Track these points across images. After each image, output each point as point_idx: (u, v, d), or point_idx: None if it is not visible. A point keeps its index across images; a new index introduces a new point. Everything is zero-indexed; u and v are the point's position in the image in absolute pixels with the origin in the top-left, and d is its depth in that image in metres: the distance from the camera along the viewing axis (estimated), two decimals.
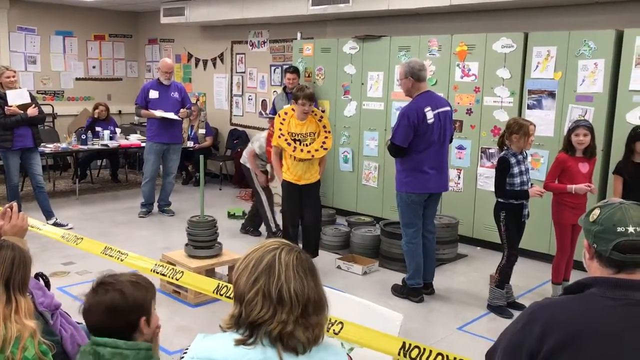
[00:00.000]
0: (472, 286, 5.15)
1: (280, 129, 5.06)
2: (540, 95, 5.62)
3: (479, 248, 6.17)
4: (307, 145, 5.04)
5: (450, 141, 4.87)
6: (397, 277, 5.09)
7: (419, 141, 4.52)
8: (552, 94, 5.55)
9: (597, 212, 1.75)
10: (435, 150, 4.60)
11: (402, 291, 4.86)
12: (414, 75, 4.53)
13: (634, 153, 4.52)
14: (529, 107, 5.68)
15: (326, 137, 5.11)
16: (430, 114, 4.51)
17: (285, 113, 5.13)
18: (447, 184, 4.86)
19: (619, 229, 1.67)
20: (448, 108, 4.71)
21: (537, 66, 5.62)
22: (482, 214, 6.06)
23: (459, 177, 6.28)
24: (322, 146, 5.07)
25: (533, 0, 5.72)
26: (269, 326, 1.41)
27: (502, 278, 4.56)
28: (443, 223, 5.88)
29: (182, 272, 2.70)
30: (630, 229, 1.66)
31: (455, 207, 6.27)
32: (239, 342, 1.46)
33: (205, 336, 1.52)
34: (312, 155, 5.03)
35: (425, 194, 4.69)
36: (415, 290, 4.79)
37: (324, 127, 5.15)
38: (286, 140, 5.03)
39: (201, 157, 5.07)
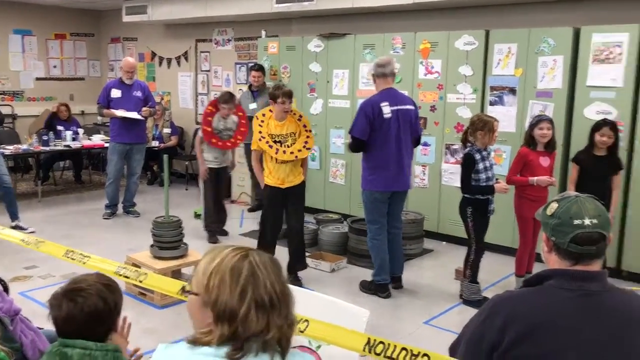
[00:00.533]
0: (438, 280, 5.22)
1: (260, 132, 4.84)
2: (502, 91, 5.73)
3: (444, 243, 6.26)
4: (288, 147, 4.85)
5: (419, 142, 4.93)
6: (366, 274, 5.12)
7: (377, 136, 4.57)
8: (513, 91, 5.66)
9: (554, 205, 1.80)
10: (395, 148, 4.63)
11: (370, 287, 4.89)
12: (375, 72, 4.65)
13: (594, 145, 4.64)
14: (491, 104, 5.78)
15: (308, 137, 4.94)
16: (386, 109, 4.56)
17: (263, 115, 4.93)
18: (409, 182, 4.87)
19: (576, 222, 1.71)
20: (411, 107, 4.74)
21: (498, 63, 5.72)
22: (447, 209, 6.15)
23: (424, 174, 6.35)
24: (304, 146, 4.89)
25: None
26: (267, 335, 1.33)
27: (473, 273, 4.63)
28: (409, 219, 5.94)
29: (146, 274, 2.66)
30: (587, 222, 1.71)
31: (420, 202, 6.34)
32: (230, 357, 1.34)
33: (167, 346, 1.42)
34: (296, 156, 4.84)
35: (388, 192, 4.74)
36: (382, 286, 4.84)
37: (304, 126, 4.97)
38: (267, 142, 4.81)
39: (165, 156, 5.01)
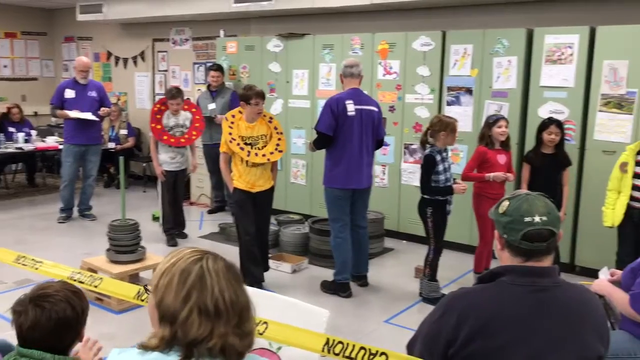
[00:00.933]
0: (399, 279, 5.27)
1: (230, 133, 4.64)
2: (459, 92, 5.82)
3: (404, 241, 6.32)
4: (260, 149, 4.70)
5: (381, 144, 4.98)
6: (327, 274, 5.13)
7: (340, 133, 4.61)
8: (469, 91, 5.76)
9: (506, 204, 1.84)
10: (356, 146, 4.68)
11: (331, 287, 4.90)
12: (344, 72, 4.77)
13: (542, 143, 4.76)
14: (448, 104, 5.87)
15: (279, 139, 4.80)
16: (351, 107, 4.62)
17: (233, 116, 4.75)
18: (369, 181, 4.91)
19: (527, 219, 1.76)
20: (375, 109, 4.80)
21: (455, 64, 5.81)
22: (407, 209, 6.21)
23: (384, 173, 6.40)
24: (276, 149, 4.76)
25: (449, 0, 5.91)
26: (209, 342, 1.30)
27: (432, 271, 4.70)
28: (370, 218, 5.95)
29: (101, 278, 2.61)
30: (537, 219, 1.75)
31: (380, 202, 6.39)
32: None
33: (121, 351, 1.40)
34: (268, 159, 4.71)
35: (348, 190, 4.76)
36: (343, 285, 4.85)
37: (275, 128, 4.84)
38: (239, 144, 4.62)
39: (121, 158, 4.91)
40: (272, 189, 4.87)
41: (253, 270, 4.75)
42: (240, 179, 4.72)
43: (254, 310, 1.43)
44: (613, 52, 5.02)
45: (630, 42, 4.94)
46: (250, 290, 1.58)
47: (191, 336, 1.29)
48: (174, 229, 6.24)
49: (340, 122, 4.60)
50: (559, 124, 4.72)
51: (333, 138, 4.64)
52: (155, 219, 6.99)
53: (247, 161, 4.64)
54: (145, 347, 1.33)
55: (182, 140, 6.02)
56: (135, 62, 9.58)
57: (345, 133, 4.62)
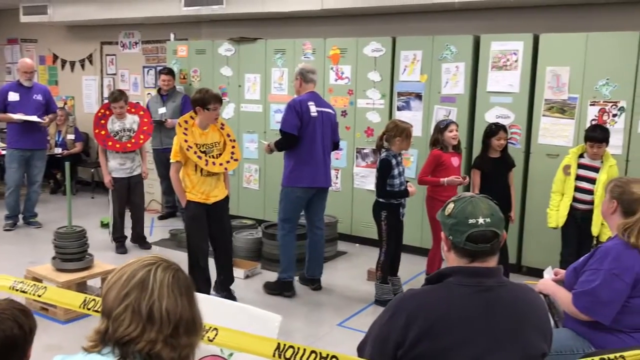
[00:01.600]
0: (352, 282, 5.30)
1: (186, 140, 4.33)
2: (409, 97, 5.92)
3: (357, 245, 6.37)
4: (215, 157, 4.46)
5: (337, 147, 5.08)
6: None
7: (304, 133, 4.66)
8: (419, 96, 5.86)
9: (451, 206, 1.88)
10: (320, 146, 4.77)
11: (274, 288, 4.93)
12: (303, 76, 4.83)
13: (490, 148, 4.89)
14: (399, 109, 5.95)
15: (233, 147, 4.59)
16: (313, 108, 4.72)
17: (186, 122, 4.44)
18: (331, 181, 5.06)
19: (471, 221, 1.80)
20: (332, 111, 4.95)
21: (404, 69, 5.91)
22: (360, 212, 6.27)
23: (337, 177, 6.44)
24: (232, 157, 4.56)
25: (399, 6, 6.00)
26: (137, 345, 1.35)
27: (384, 274, 4.75)
28: None
29: (45, 287, 2.53)
30: (480, 220, 1.80)
31: (334, 206, 6.41)
32: None
33: (64, 357, 1.44)
34: (225, 168, 4.51)
35: (311, 190, 4.81)
36: (287, 283, 4.91)
37: (228, 135, 4.62)
38: (195, 152, 4.33)
39: (67, 163, 4.77)
40: (227, 199, 4.68)
41: (202, 287, 4.47)
42: (194, 190, 4.45)
43: (200, 328, 1.47)
44: (555, 59, 5.21)
45: (571, 50, 5.13)
46: (200, 296, 1.58)
47: (119, 333, 1.35)
48: (123, 237, 6.06)
49: (305, 123, 4.66)
50: (505, 129, 4.88)
51: (298, 138, 4.68)
52: (103, 225, 6.82)
53: (201, 170, 4.39)
54: (85, 350, 1.39)
55: (129, 145, 5.82)
56: (82, 66, 9.34)
57: (309, 133, 4.70)
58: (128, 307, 1.36)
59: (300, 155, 4.72)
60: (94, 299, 2.37)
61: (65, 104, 9.37)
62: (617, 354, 2.23)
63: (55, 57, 9.62)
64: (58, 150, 8.39)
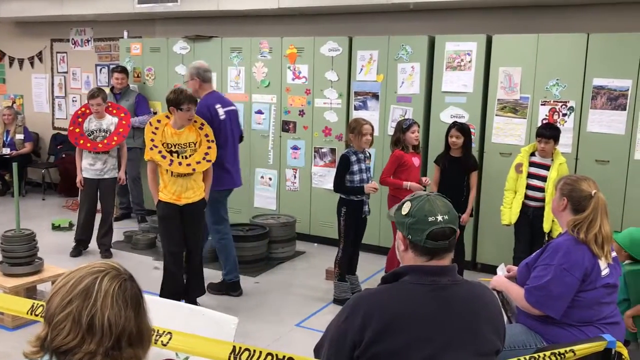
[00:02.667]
0: (310, 282, 5.29)
1: (152, 140, 4.24)
2: (365, 96, 5.94)
3: (316, 245, 6.36)
4: (186, 158, 4.30)
5: (241, 140, 5.10)
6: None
7: (218, 137, 4.59)
8: (375, 96, 5.89)
9: (408, 205, 1.88)
10: (231, 147, 4.81)
11: (220, 288, 4.92)
12: (200, 76, 4.74)
13: (450, 147, 4.96)
14: (356, 108, 5.98)
15: (209, 147, 4.41)
16: (221, 111, 4.71)
17: (158, 121, 4.34)
18: (241, 180, 5.07)
19: (430, 219, 1.81)
20: (234, 107, 4.94)
21: (361, 69, 5.93)
22: (318, 212, 6.27)
23: (295, 177, 6.42)
24: (204, 158, 4.36)
25: (355, 6, 6.03)
26: (74, 355, 1.30)
27: (341, 271, 4.75)
28: (281, 222, 5.98)
29: None
30: (440, 218, 1.81)
31: (292, 205, 6.41)
32: None
33: None
34: (194, 169, 4.29)
35: (228, 191, 4.86)
36: (234, 284, 4.91)
37: (207, 135, 4.44)
38: (160, 152, 4.22)
39: (14, 164, 4.60)
40: (202, 201, 4.42)
41: (171, 291, 4.33)
42: (165, 189, 4.30)
43: (148, 340, 1.43)
44: (508, 59, 5.32)
45: (523, 51, 5.24)
46: (155, 299, 1.54)
47: (57, 342, 1.31)
48: (83, 241, 5.85)
49: (216, 126, 4.60)
50: (460, 128, 4.92)
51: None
52: (55, 228, 6.62)
53: (170, 171, 4.26)
54: (26, 356, 1.36)
55: (100, 145, 5.61)
56: (32, 63, 9.05)
57: (221, 136, 4.67)
58: (69, 316, 1.31)
59: (217, 159, 4.52)
60: (42, 305, 2.29)
61: (13, 102, 9.06)
62: (568, 348, 2.28)
63: (3, 54, 9.30)
64: (6, 151, 8.11)
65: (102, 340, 1.31)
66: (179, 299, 4.18)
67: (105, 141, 5.64)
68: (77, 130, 5.63)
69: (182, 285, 4.48)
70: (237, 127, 4.93)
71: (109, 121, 5.71)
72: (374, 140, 5.80)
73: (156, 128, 4.30)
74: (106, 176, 5.72)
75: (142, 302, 1.42)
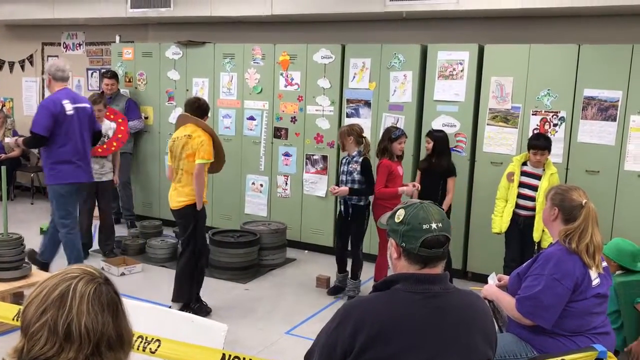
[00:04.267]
0: (300, 289, 5.27)
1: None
2: (358, 104, 5.95)
3: (306, 252, 6.34)
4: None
5: (100, 136, 5.32)
6: (225, 286, 5.03)
7: (61, 132, 4.79)
8: (368, 103, 5.90)
9: (402, 212, 1.87)
10: (79, 142, 4.92)
11: (35, 260, 5.02)
12: (52, 74, 4.92)
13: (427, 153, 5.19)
14: (348, 116, 5.98)
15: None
16: (68, 106, 4.83)
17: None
18: (92, 175, 5.21)
19: (425, 226, 1.80)
20: (88, 105, 5.08)
21: (354, 77, 5.94)
22: (309, 219, 6.26)
23: (286, 184, 6.41)
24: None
25: (349, 14, 6.04)
26: None
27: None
28: (272, 229, 5.96)
29: None
30: (434, 225, 1.80)
31: (283, 212, 6.39)
32: None
33: None
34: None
35: (75, 185, 4.94)
36: (45, 265, 5.11)
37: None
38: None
39: (3, 167, 4.55)
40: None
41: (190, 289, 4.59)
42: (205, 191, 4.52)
43: (128, 342, 1.39)
44: (499, 69, 5.35)
45: (515, 60, 5.27)
46: (143, 306, 1.51)
47: (34, 353, 1.27)
48: (87, 245, 5.84)
49: (61, 121, 4.76)
50: (431, 134, 5.11)
51: (53, 137, 4.79)
52: (43, 232, 6.55)
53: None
54: None
55: (99, 150, 5.71)
56: (22, 67, 8.99)
57: (68, 131, 4.82)
58: (44, 325, 1.27)
59: (59, 154, 4.82)
60: None
61: (3, 105, 9.00)
62: (559, 358, 2.28)
63: None
64: None
65: (81, 347, 1.28)
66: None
67: (105, 146, 5.77)
68: None
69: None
70: (88, 124, 5.02)
71: (107, 126, 5.79)
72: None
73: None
74: (104, 179, 5.84)
75: (119, 305, 1.38)
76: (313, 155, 6.24)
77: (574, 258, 2.63)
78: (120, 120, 5.94)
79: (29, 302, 1.32)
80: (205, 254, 4.82)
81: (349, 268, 5.12)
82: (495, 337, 1.93)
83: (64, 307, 1.28)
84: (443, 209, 4.90)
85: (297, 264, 6.01)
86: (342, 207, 4.98)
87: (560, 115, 5.15)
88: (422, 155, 5.57)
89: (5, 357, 1.32)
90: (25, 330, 1.30)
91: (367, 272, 5.22)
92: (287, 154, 6.35)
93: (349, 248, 5.08)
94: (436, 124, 5.57)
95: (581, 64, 5.05)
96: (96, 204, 5.94)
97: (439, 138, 5.07)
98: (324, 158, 6.15)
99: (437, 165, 5.03)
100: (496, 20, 5.86)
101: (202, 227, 4.62)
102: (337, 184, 4.90)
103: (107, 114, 5.91)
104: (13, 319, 2.23)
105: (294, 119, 6.28)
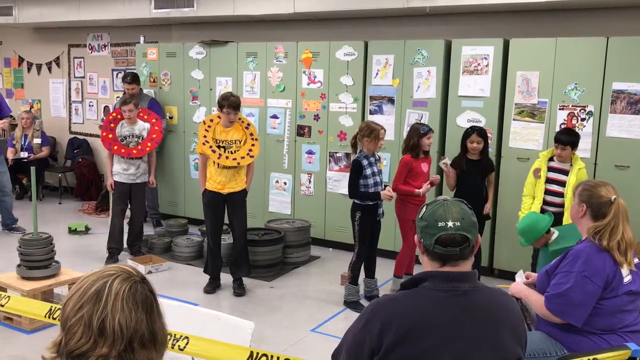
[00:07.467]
0: (325, 287, 5.27)
1: (204, 136, 4.91)
2: (381, 101, 5.92)
3: (330, 249, 6.34)
4: (232, 153, 4.91)
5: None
6: (250, 284, 5.05)
7: None
8: (391, 100, 5.87)
9: (424, 208, 1.87)
10: None
11: None
12: None
13: (467, 150, 4.95)
14: (371, 113, 5.96)
15: (253, 145, 5.01)
16: None
17: (211, 120, 5.00)
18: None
19: (440, 224, 1.79)
20: None
21: (377, 73, 5.91)
22: (333, 216, 6.25)
23: (310, 182, 6.41)
24: (248, 154, 4.96)
25: (371, 10, 6.01)
26: (87, 359, 1.31)
27: (354, 274, 4.76)
28: (296, 227, 5.96)
29: (9, 297, 2.44)
30: (450, 224, 1.78)
31: (307, 210, 6.39)
32: None
33: None
34: (238, 163, 4.89)
35: None
36: None
37: (251, 134, 5.04)
38: (211, 147, 4.88)
39: (33, 168, 4.64)
40: (244, 192, 5.04)
41: (213, 265, 5.11)
42: (211, 179, 4.93)
43: (162, 341, 1.41)
44: (525, 63, 5.27)
45: (541, 55, 5.19)
46: (171, 304, 1.52)
47: (70, 346, 1.32)
48: (116, 249, 5.84)
49: None
50: (481, 132, 4.92)
51: None
52: (71, 231, 6.67)
53: (218, 163, 4.85)
54: (43, 358, 1.37)
55: (134, 151, 5.67)
56: (49, 69, 9.15)
57: None
58: (80, 320, 1.32)
59: None
60: (59, 308, 2.30)
61: (31, 107, 9.16)
62: (590, 357, 2.24)
63: (21, 60, 9.41)
64: (24, 155, 8.19)
65: (114, 344, 1.31)
66: (219, 273, 5.14)
67: (140, 147, 5.72)
68: (110, 135, 5.67)
69: (221, 261, 5.16)
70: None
71: (141, 127, 5.77)
72: (390, 145, 5.82)
73: (209, 126, 4.96)
74: (138, 181, 5.79)
75: (154, 303, 1.41)
76: (336, 152, 6.23)
77: (604, 255, 2.58)
78: (154, 120, 5.90)
79: (69, 298, 1.37)
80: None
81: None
82: (525, 336, 1.90)
83: (99, 303, 1.33)
84: (487, 206, 4.75)
85: (322, 262, 6.01)
86: (381, 209, 4.79)
87: (588, 109, 5.06)
88: (450, 151, 5.51)
89: (46, 350, 1.37)
90: (64, 325, 1.35)
91: (384, 270, 5.20)
92: (310, 152, 6.35)
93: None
94: (461, 120, 5.51)
95: (609, 56, 4.94)
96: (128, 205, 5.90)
97: (486, 135, 5.00)
98: (347, 156, 6.13)
99: (485, 163, 5.00)
100: (521, 14, 5.77)
101: (210, 212, 5.02)
102: (374, 185, 4.64)
103: (141, 114, 5.87)
104: (45, 316, 2.27)
105: (317, 117, 6.27)
